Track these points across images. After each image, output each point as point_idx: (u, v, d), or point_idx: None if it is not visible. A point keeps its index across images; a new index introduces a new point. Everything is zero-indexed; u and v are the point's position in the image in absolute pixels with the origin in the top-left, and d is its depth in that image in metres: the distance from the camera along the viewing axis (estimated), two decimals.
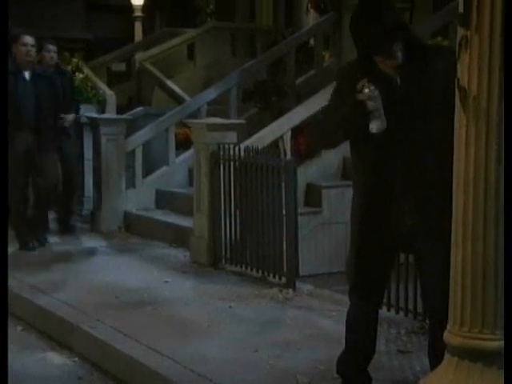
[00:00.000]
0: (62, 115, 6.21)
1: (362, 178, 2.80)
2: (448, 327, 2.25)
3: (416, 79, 2.69)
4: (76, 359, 3.87)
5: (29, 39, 5.82)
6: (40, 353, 3.99)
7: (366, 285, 2.85)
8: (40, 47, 6.30)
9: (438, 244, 2.60)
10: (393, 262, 2.98)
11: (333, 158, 6.13)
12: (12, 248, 5.43)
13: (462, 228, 2.23)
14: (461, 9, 2.18)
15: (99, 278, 5.01)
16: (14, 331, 4.30)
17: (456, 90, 2.22)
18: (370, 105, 2.65)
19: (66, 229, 6.58)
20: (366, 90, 2.65)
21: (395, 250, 2.91)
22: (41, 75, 5.90)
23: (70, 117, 6.43)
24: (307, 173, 6.13)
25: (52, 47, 6.54)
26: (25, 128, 5.68)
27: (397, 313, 4.07)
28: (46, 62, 6.45)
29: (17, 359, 3.81)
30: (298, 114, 6.28)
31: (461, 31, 2.18)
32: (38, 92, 5.77)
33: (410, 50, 2.71)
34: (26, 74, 5.78)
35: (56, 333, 4.17)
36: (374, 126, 2.67)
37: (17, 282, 4.92)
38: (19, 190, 5.78)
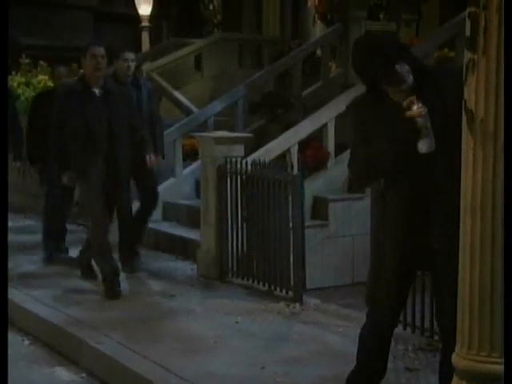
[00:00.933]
0: (149, 156, 5.33)
1: (395, 211, 2.74)
2: (456, 350, 2.25)
3: (430, 103, 2.64)
4: (84, 375, 3.88)
5: (99, 50, 4.90)
6: (47, 368, 4.00)
7: (385, 307, 2.83)
8: (110, 57, 5.34)
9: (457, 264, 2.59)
10: (411, 282, 2.96)
11: (339, 171, 6.14)
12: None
13: (470, 252, 2.23)
14: (467, 32, 2.19)
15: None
16: (22, 345, 4.32)
17: (463, 112, 2.23)
18: (420, 121, 2.55)
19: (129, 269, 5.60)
20: (415, 107, 2.56)
21: (415, 271, 2.90)
22: (113, 91, 4.97)
23: (155, 159, 5.49)
24: (314, 186, 6.15)
25: (129, 55, 5.57)
26: (97, 153, 4.85)
27: (404, 329, 4.06)
28: (123, 73, 5.49)
29: (23, 374, 3.82)
30: (305, 128, 6.30)
31: (468, 54, 2.19)
32: (111, 112, 4.87)
33: (417, 74, 2.69)
34: (96, 91, 4.88)
35: (64, 348, 4.18)
36: (424, 146, 2.57)
37: (22, 294, 4.94)
38: (101, 229, 4.96)
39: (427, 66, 2.88)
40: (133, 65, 5.53)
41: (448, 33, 7.02)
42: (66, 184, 5.03)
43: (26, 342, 4.39)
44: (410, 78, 2.67)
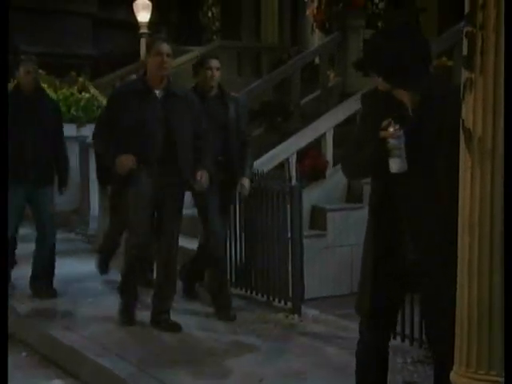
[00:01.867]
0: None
1: (375, 217, 2.79)
2: (454, 368, 2.25)
3: (424, 121, 2.67)
4: None
5: (165, 47, 4.28)
6: (45, 380, 3.99)
7: (377, 317, 2.84)
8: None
9: (442, 281, 2.61)
10: (402, 294, 2.97)
11: (337, 180, 6.16)
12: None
13: (468, 269, 2.24)
14: (465, 51, 2.20)
15: (105, 303, 4.99)
16: (19, 357, 4.31)
17: (461, 131, 2.24)
18: (391, 142, 2.63)
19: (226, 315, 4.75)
20: (391, 129, 2.64)
21: (403, 284, 2.91)
22: (177, 94, 4.34)
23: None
24: (312, 195, 6.17)
25: (214, 63, 4.76)
26: (151, 160, 4.25)
27: (402, 341, 4.06)
28: (206, 84, 4.75)
29: None
30: (304, 137, 6.32)
31: (465, 73, 2.20)
32: (171, 117, 4.27)
33: (430, 85, 2.70)
34: (157, 93, 4.31)
35: (62, 360, 4.17)
36: (394, 166, 2.65)
37: (24, 306, 4.93)
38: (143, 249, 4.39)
39: (444, 83, 2.91)
40: (218, 74, 4.73)
41: (446, 42, 7.04)
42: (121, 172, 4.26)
43: (24, 354, 4.39)
44: (418, 89, 2.68)
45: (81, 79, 8.79)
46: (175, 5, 16.30)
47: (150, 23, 13.39)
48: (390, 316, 2.90)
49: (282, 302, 4.92)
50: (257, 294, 5.13)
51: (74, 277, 5.74)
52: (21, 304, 4.98)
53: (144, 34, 13.20)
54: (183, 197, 4.44)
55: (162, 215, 4.37)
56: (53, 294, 5.21)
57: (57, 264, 5.32)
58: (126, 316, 4.51)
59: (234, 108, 4.82)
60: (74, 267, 6.06)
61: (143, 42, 13.26)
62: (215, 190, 4.61)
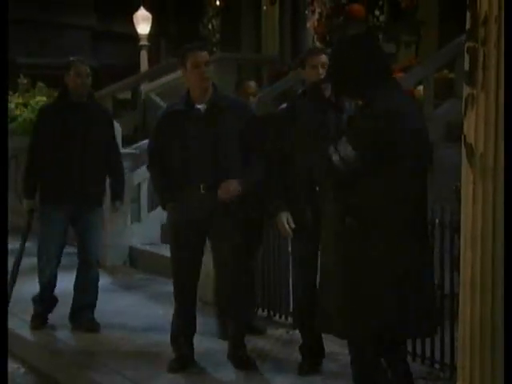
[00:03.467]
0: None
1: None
2: None
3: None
4: None
5: (202, 55, 3.89)
6: None
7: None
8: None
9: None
10: None
11: None
12: None
13: (470, 284, 2.25)
14: (466, 67, 2.22)
15: (103, 319, 4.93)
16: (17, 371, 4.31)
17: (462, 146, 2.25)
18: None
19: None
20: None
21: None
22: (222, 106, 3.92)
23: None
24: None
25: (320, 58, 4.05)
26: (196, 184, 3.92)
27: None
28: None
29: None
30: None
31: (466, 89, 2.22)
32: (217, 133, 3.89)
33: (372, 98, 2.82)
34: (201, 108, 3.95)
35: (61, 376, 4.16)
36: None
37: (18, 320, 4.92)
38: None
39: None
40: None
41: (447, 55, 7.07)
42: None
43: (22, 370, 4.38)
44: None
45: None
46: (174, 17, 16.40)
47: (150, 35, 13.48)
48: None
49: (283, 318, 4.92)
50: (257, 309, 5.12)
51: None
52: (14, 316, 4.94)
53: (144, 46, 13.29)
54: (238, 226, 3.97)
55: (215, 247, 3.99)
56: (96, 327, 4.74)
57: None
58: (179, 364, 4.03)
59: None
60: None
61: (143, 54, 13.37)
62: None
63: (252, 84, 4.63)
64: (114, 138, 4.87)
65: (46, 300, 4.85)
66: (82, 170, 4.57)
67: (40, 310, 4.85)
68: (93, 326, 4.74)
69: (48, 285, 4.81)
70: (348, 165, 2.63)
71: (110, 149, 4.75)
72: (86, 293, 4.82)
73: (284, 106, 4.06)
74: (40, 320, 4.82)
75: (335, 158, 2.64)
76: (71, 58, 4.75)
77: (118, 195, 4.87)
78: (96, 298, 4.87)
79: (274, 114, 4.25)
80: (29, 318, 4.89)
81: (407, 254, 2.63)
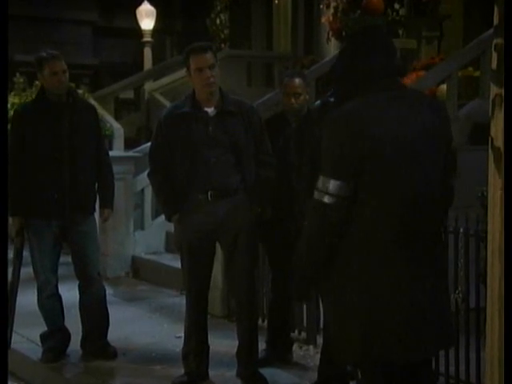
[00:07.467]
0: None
1: None
2: None
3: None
4: None
5: (205, 58, 3.84)
6: None
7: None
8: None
9: None
10: None
11: None
12: None
13: (498, 298, 2.23)
14: (494, 65, 2.22)
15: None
16: None
17: (489, 150, 2.24)
18: None
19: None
20: None
21: None
22: (232, 110, 3.91)
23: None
24: None
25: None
26: (205, 191, 3.89)
27: None
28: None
29: None
30: None
31: (494, 89, 2.22)
32: (227, 137, 3.88)
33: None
34: (209, 111, 3.92)
35: None
36: None
37: (18, 336, 4.93)
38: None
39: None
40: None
41: (473, 52, 7.05)
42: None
43: None
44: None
45: (80, 91, 8.85)
46: (180, 11, 16.45)
47: (154, 31, 13.52)
48: None
49: (296, 332, 4.91)
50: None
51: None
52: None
53: (148, 42, 13.33)
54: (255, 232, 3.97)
55: (230, 256, 3.97)
56: (112, 355, 4.46)
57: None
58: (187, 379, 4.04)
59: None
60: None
61: (147, 51, 13.41)
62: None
63: (297, 81, 4.15)
64: (101, 135, 4.63)
65: (56, 335, 4.50)
66: (71, 178, 4.29)
67: (52, 344, 4.49)
68: (109, 355, 4.43)
69: (52, 312, 4.48)
70: (344, 199, 2.40)
71: (98, 148, 4.48)
72: (93, 313, 4.51)
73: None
74: (52, 354, 4.45)
75: (327, 199, 2.42)
76: (43, 53, 4.38)
77: (107, 202, 4.57)
78: (107, 317, 4.55)
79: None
80: (28, 332, 4.84)
81: (392, 270, 2.41)
